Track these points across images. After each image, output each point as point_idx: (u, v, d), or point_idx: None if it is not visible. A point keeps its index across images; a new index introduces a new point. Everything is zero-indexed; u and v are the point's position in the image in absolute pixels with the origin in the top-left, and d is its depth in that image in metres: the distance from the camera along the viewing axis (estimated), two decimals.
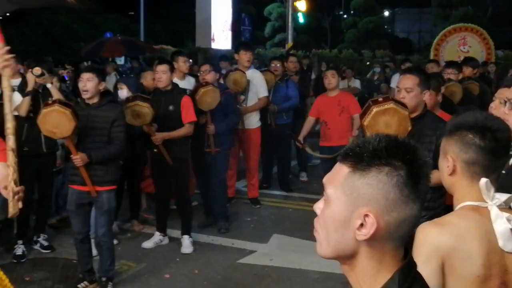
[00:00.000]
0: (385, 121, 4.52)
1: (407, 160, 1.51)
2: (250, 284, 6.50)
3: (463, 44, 17.93)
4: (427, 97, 4.76)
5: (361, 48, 28.54)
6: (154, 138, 7.17)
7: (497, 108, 4.10)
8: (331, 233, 1.57)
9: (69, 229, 7.48)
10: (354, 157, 1.54)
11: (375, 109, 4.54)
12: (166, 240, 7.70)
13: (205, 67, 8.50)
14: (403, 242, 1.57)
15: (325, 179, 1.62)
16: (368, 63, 23.41)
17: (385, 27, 40.71)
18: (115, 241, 7.49)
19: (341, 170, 1.56)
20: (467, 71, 8.94)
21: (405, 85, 4.72)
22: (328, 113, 8.69)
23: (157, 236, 7.65)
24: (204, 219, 8.50)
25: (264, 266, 6.98)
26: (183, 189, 7.67)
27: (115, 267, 6.50)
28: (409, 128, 4.49)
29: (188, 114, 7.37)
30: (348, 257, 1.57)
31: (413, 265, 1.60)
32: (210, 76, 8.26)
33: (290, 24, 18.33)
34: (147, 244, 7.57)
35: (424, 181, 1.53)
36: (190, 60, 11.32)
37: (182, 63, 8.87)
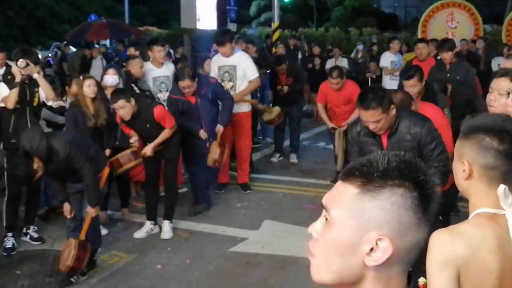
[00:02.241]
0: None
1: (419, 182, 1.42)
2: (243, 273, 6.47)
3: (451, 20, 17.84)
4: (394, 112, 4.79)
5: (348, 26, 28.43)
6: (147, 155, 7.26)
7: (497, 100, 4.04)
8: (334, 258, 1.46)
9: (59, 220, 7.52)
10: (362, 177, 1.44)
11: None
12: (156, 229, 7.65)
13: (184, 84, 7.84)
14: (410, 267, 1.49)
15: (325, 200, 1.50)
16: (355, 41, 23.32)
17: (371, 3, 40.58)
18: (106, 231, 7.47)
19: (347, 191, 1.46)
20: (447, 56, 8.72)
21: (372, 119, 4.72)
22: (333, 102, 9.21)
23: (148, 225, 7.60)
24: (194, 207, 8.44)
25: (256, 254, 6.96)
26: (172, 173, 7.67)
27: (106, 258, 6.57)
28: None
29: (166, 122, 7.30)
30: (351, 284, 1.48)
31: None
32: (192, 87, 7.89)
33: (276, 2, 18.13)
34: (139, 234, 7.52)
35: (435, 203, 1.45)
36: (167, 47, 11.15)
37: (158, 53, 8.67)
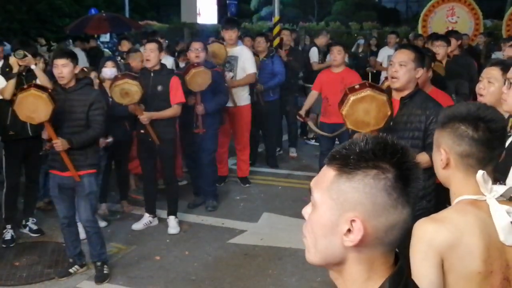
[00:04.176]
0: (363, 108, 4.50)
1: (395, 162, 1.45)
2: (241, 265, 6.50)
3: (451, 14, 17.77)
4: (420, 74, 4.71)
5: (349, 20, 28.36)
6: (141, 118, 7.11)
7: (485, 88, 4.09)
8: (319, 239, 1.51)
9: None
10: (341, 159, 1.48)
11: (352, 98, 4.51)
12: (155, 221, 7.67)
13: (198, 45, 8.12)
14: (394, 248, 1.51)
15: (312, 183, 1.56)
16: (356, 35, 23.28)
17: None
18: (105, 223, 7.50)
19: (327, 174, 1.50)
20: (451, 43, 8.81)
21: (399, 59, 4.68)
22: (330, 89, 8.49)
23: (147, 217, 7.62)
24: (193, 199, 8.46)
25: (254, 245, 6.98)
26: (170, 170, 7.65)
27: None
28: (389, 113, 4.46)
29: (176, 95, 7.30)
30: (336, 264, 1.52)
31: (404, 271, 1.54)
32: (203, 55, 8.08)
33: None
34: (137, 226, 7.54)
35: (414, 183, 1.47)
36: (166, 41, 11.16)
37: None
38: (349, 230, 1.45)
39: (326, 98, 8.59)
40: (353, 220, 1.44)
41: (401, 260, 1.54)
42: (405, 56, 4.67)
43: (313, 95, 8.87)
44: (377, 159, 1.45)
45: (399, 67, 4.64)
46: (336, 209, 1.47)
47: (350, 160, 1.46)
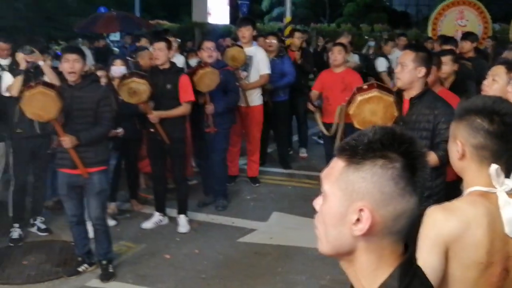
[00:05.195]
0: (370, 109, 4.63)
1: (403, 152, 1.47)
2: (251, 263, 6.48)
3: (460, 18, 17.74)
4: (423, 74, 4.68)
5: (360, 22, 28.31)
6: (151, 117, 7.09)
7: (490, 85, 4.18)
8: (329, 229, 1.54)
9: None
10: (349, 150, 1.50)
11: (359, 98, 4.64)
12: (165, 220, 7.64)
13: (211, 44, 8.09)
14: (403, 237, 1.53)
15: (322, 174, 1.58)
16: (366, 37, 23.23)
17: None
18: (114, 222, 7.46)
19: (336, 165, 1.53)
20: (466, 45, 8.79)
21: (400, 60, 4.77)
22: (330, 89, 8.41)
23: (157, 216, 7.59)
24: (203, 198, 8.43)
25: (264, 244, 6.97)
26: (180, 169, 7.62)
27: (114, 248, 6.47)
28: (396, 114, 4.55)
29: (186, 93, 7.27)
30: (346, 254, 1.54)
31: (414, 260, 1.56)
32: (215, 54, 8.06)
33: None
34: (147, 225, 7.51)
35: (421, 172, 1.49)
36: (179, 40, 11.14)
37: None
38: (358, 220, 1.48)
39: (326, 98, 8.49)
40: (361, 210, 1.47)
41: (411, 249, 1.56)
42: (405, 56, 4.73)
43: (313, 94, 8.75)
44: (385, 149, 1.47)
45: (400, 67, 4.71)
46: (345, 199, 1.50)
47: (358, 151, 1.48)
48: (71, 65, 5.80)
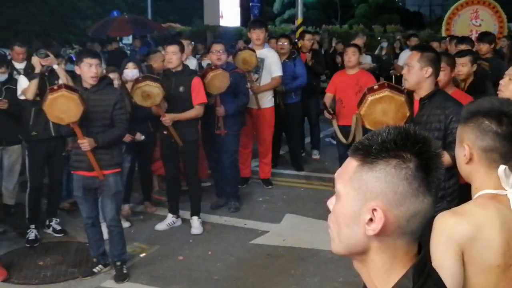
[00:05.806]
0: (381, 109, 4.60)
1: (416, 152, 1.46)
2: (264, 265, 6.50)
3: (475, 17, 17.62)
4: (429, 74, 4.64)
5: (372, 23, 28.24)
6: (164, 120, 7.15)
7: (506, 85, 4.13)
8: (342, 229, 1.54)
9: None
10: (363, 150, 1.50)
11: (370, 98, 4.61)
12: (179, 222, 7.69)
13: (220, 47, 8.15)
14: (416, 237, 1.53)
15: (336, 174, 1.58)
16: (379, 38, 23.18)
17: (396, 0, 40.31)
18: (128, 224, 7.52)
19: (350, 164, 1.53)
20: (484, 47, 8.69)
21: (407, 61, 4.76)
22: (344, 91, 8.34)
23: (170, 218, 7.64)
24: (216, 200, 8.48)
25: (277, 246, 6.98)
26: (193, 171, 7.67)
27: (128, 250, 6.53)
28: (407, 114, 4.52)
29: (198, 95, 7.32)
30: (359, 253, 1.54)
31: (428, 260, 1.56)
32: (224, 57, 8.11)
33: None
34: (160, 226, 7.57)
35: (435, 173, 1.48)
36: (193, 42, 11.19)
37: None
38: (371, 220, 1.47)
39: (340, 100, 8.42)
40: (374, 209, 1.46)
41: (424, 249, 1.55)
42: (411, 57, 4.72)
43: (328, 97, 8.68)
44: (398, 149, 1.46)
45: (407, 69, 4.70)
46: (358, 199, 1.49)
47: (372, 150, 1.48)
48: (94, 69, 5.90)
